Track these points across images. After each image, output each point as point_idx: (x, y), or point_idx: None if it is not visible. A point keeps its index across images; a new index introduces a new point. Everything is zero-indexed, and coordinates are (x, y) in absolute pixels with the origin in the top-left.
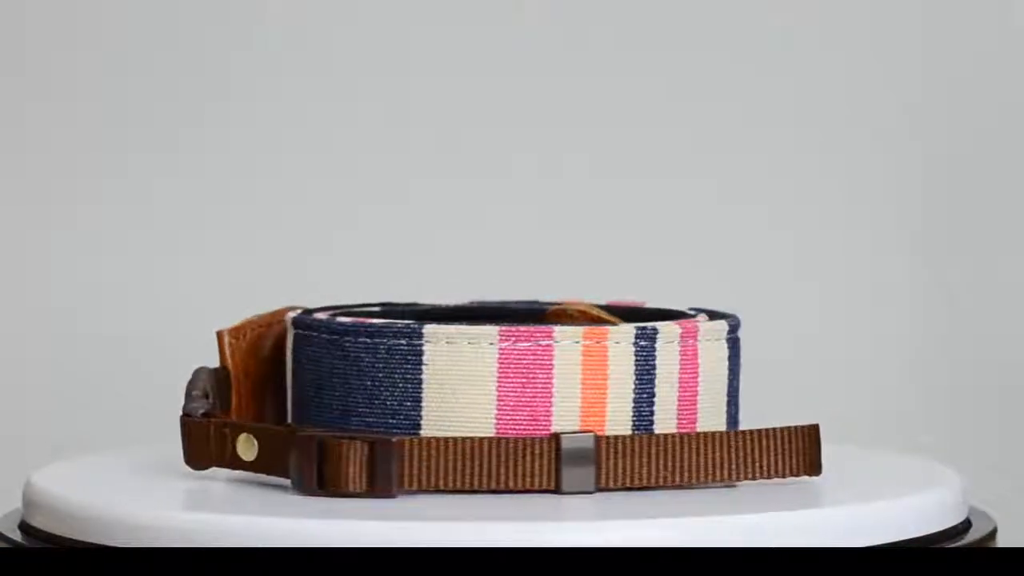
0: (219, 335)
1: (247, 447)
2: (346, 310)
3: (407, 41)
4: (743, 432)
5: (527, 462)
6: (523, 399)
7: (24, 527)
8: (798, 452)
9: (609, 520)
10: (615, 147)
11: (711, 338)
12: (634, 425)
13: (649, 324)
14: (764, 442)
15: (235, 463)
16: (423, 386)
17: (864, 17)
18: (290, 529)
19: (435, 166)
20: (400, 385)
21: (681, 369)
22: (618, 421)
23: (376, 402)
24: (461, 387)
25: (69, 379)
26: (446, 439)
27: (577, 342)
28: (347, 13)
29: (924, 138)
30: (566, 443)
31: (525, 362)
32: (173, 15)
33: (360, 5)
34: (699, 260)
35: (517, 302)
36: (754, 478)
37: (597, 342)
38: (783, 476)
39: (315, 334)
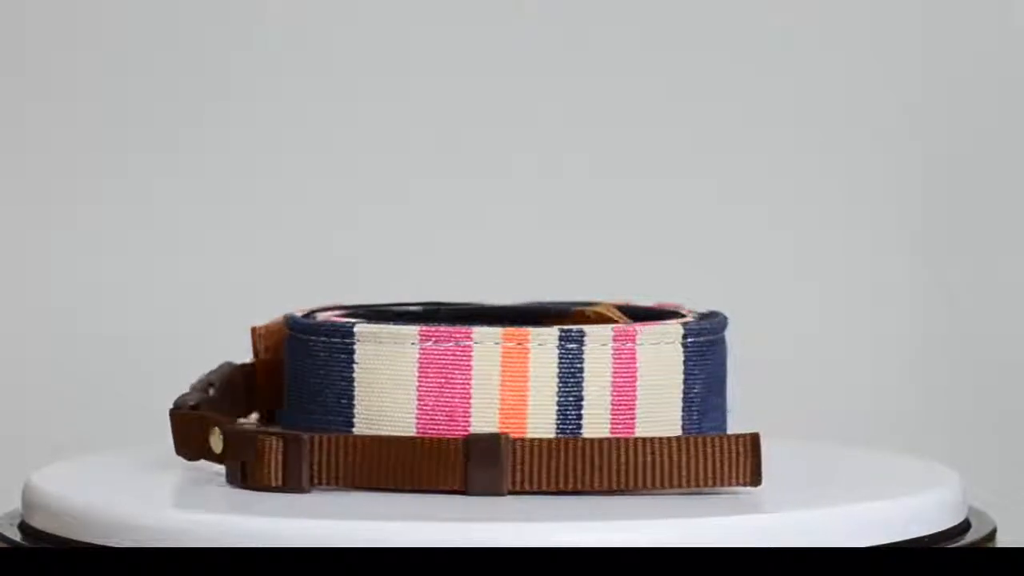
0: (253, 331)
1: (216, 441)
2: (380, 309)
3: (407, 41)
4: (676, 438)
5: (436, 462)
6: (441, 399)
7: (24, 527)
8: (736, 461)
9: (481, 522)
10: (615, 147)
11: (657, 341)
12: (559, 428)
13: (576, 326)
14: (699, 449)
15: (209, 455)
16: (354, 384)
17: (864, 17)
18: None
19: (435, 166)
20: (336, 383)
21: (615, 372)
22: (540, 424)
23: (319, 399)
24: (386, 386)
25: (69, 379)
26: (361, 438)
27: (497, 343)
28: (347, 13)
29: (924, 138)
30: (474, 444)
31: (444, 362)
32: (173, 15)
33: (360, 5)
34: (699, 260)
35: (573, 303)
36: (685, 486)
37: (518, 344)
38: (718, 485)
39: (290, 331)
